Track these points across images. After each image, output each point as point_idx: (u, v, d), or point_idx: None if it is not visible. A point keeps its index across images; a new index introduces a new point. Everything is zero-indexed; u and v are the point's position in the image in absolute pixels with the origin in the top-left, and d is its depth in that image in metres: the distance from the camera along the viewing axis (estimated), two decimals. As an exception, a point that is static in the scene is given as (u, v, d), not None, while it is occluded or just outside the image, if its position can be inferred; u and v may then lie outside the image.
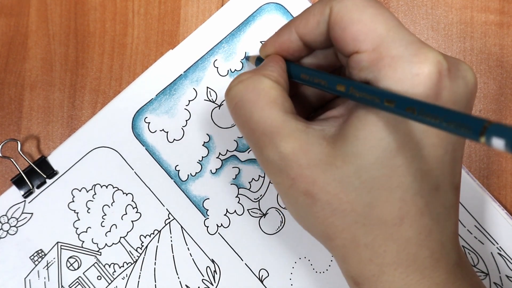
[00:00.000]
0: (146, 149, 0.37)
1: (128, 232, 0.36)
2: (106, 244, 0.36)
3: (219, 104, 0.37)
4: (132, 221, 0.37)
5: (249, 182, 0.37)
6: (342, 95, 0.24)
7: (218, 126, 0.37)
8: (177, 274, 0.36)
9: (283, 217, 0.36)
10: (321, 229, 0.24)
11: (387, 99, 0.21)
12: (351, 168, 0.22)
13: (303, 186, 0.23)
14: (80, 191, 0.37)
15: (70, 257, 0.36)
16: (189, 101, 0.37)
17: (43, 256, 0.36)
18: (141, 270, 0.36)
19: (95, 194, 0.37)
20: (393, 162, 0.22)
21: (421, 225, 0.23)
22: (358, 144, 0.22)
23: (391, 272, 0.23)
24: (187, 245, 0.36)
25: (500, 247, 0.35)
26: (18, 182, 0.36)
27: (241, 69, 0.37)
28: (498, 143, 0.16)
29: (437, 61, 0.22)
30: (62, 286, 0.36)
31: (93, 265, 0.36)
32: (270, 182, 0.37)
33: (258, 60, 0.31)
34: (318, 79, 0.25)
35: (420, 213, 0.23)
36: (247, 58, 0.37)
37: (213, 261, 0.36)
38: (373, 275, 0.24)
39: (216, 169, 0.37)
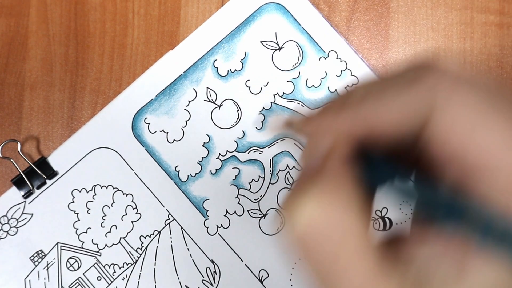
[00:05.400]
0: (146, 149, 0.37)
1: (128, 232, 0.37)
2: (106, 244, 0.36)
3: (219, 105, 0.37)
4: (132, 222, 0.37)
5: (249, 183, 0.37)
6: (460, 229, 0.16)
7: (218, 127, 0.37)
8: (177, 275, 0.36)
9: (283, 217, 0.36)
10: None
11: None
12: None
13: None
14: (80, 191, 0.37)
15: (70, 258, 0.36)
16: (189, 101, 0.37)
17: (43, 257, 0.36)
18: (141, 271, 0.36)
19: (95, 194, 0.37)
20: None
21: None
22: None
23: None
24: (187, 245, 0.36)
25: (500, 248, 0.35)
26: (18, 182, 0.36)
27: (241, 69, 0.37)
28: None
29: None
30: (62, 286, 0.36)
31: (93, 265, 0.36)
32: (270, 182, 0.37)
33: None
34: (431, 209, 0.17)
35: None
36: (288, 125, 0.22)
37: (213, 261, 0.36)
38: None
39: (216, 169, 0.37)
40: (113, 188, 0.37)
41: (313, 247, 0.18)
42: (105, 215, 0.37)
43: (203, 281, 0.36)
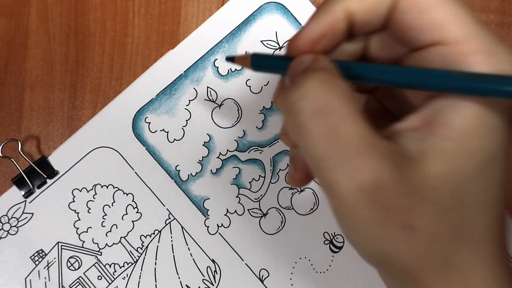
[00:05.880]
0: (146, 149, 0.37)
1: (128, 232, 0.37)
2: (106, 244, 0.36)
3: (219, 104, 0.37)
4: (132, 221, 0.37)
5: (250, 182, 0.37)
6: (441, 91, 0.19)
7: (219, 126, 0.37)
8: (178, 274, 0.36)
9: (283, 217, 0.36)
10: (413, 263, 0.20)
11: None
12: (449, 186, 0.19)
13: (400, 218, 0.19)
14: (80, 191, 0.37)
15: (70, 257, 0.36)
16: (190, 101, 0.37)
17: (43, 256, 0.36)
18: (141, 270, 0.36)
19: (96, 194, 0.37)
20: (489, 174, 0.19)
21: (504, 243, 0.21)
22: (457, 159, 0.19)
23: None
24: (187, 245, 0.36)
25: (500, 247, 0.35)
26: (19, 182, 0.36)
27: (242, 68, 0.37)
28: None
29: None
30: (62, 286, 0.36)
31: (94, 265, 0.36)
32: (270, 182, 0.37)
33: (257, 59, 0.23)
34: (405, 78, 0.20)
35: (503, 228, 0.20)
36: (230, 59, 0.26)
37: (213, 261, 0.36)
38: None
39: (217, 169, 0.37)
40: (114, 188, 0.37)
41: (315, 121, 0.19)
42: (106, 215, 0.37)
43: (204, 280, 0.36)
